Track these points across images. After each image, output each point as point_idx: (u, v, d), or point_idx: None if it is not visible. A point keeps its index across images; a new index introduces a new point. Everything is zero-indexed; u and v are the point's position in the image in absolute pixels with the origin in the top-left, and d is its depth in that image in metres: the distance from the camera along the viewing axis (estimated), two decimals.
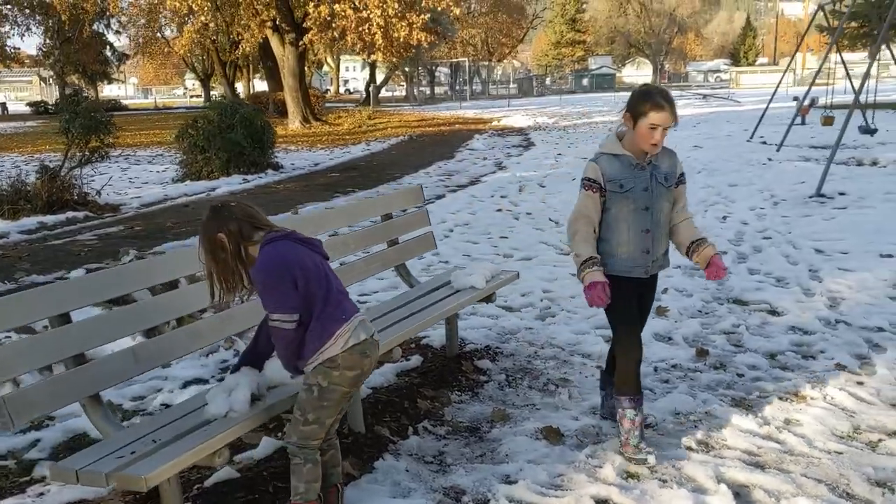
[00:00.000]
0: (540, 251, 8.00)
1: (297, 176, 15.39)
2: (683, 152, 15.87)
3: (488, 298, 4.83)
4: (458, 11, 30.49)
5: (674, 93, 3.60)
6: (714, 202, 10.19)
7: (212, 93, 70.94)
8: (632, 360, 3.53)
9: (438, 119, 35.01)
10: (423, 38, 27.22)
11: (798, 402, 4.15)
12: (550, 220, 9.65)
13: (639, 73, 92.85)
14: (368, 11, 26.12)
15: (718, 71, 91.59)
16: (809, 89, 18.48)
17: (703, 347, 5.02)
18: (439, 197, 12.05)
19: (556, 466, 3.54)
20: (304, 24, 28.44)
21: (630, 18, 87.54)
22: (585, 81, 78.11)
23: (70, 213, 10.74)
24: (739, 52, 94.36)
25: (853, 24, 31.46)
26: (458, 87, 73.48)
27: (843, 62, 16.81)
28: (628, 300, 3.54)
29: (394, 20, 26.47)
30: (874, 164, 12.73)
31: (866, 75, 11.45)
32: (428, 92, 73.19)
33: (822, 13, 21.71)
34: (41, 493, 3.54)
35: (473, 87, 72.36)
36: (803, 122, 22.16)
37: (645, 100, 3.31)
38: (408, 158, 18.53)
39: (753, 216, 9.21)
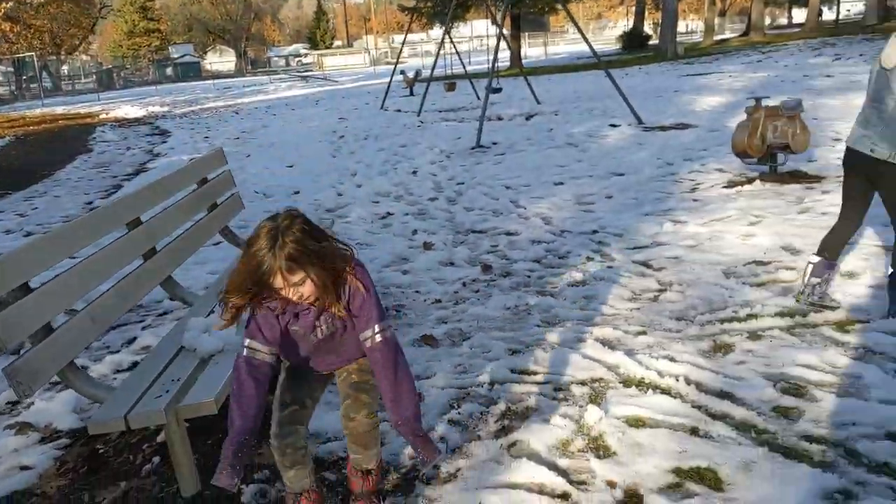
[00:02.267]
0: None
1: None
2: (335, 125, 16.93)
3: None
4: None
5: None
6: (397, 161, 11.28)
7: None
8: None
9: (29, 118, 31.72)
10: (10, 29, 24.70)
11: (588, 285, 5.28)
12: (255, 192, 9.87)
13: (222, 59, 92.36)
14: None
15: (299, 55, 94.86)
16: (436, 65, 20.59)
17: (486, 263, 5.97)
18: (117, 188, 11.54)
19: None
20: None
21: (205, 5, 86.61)
22: (170, 71, 75.89)
23: None
24: (316, 36, 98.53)
25: (429, 3, 35.20)
26: (24, 85, 66.41)
27: (452, 40, 19.13)
28: None
29: None
30: (500, 118, 14.95)
31: (497, 48, 13.49)
32: None
33: None
34: None
35: (44, 84, 65.97)
36: (411, 93, 24.56)
37: None
38: (37, 156, 16.89)
39: (437, 168, 10.46)
